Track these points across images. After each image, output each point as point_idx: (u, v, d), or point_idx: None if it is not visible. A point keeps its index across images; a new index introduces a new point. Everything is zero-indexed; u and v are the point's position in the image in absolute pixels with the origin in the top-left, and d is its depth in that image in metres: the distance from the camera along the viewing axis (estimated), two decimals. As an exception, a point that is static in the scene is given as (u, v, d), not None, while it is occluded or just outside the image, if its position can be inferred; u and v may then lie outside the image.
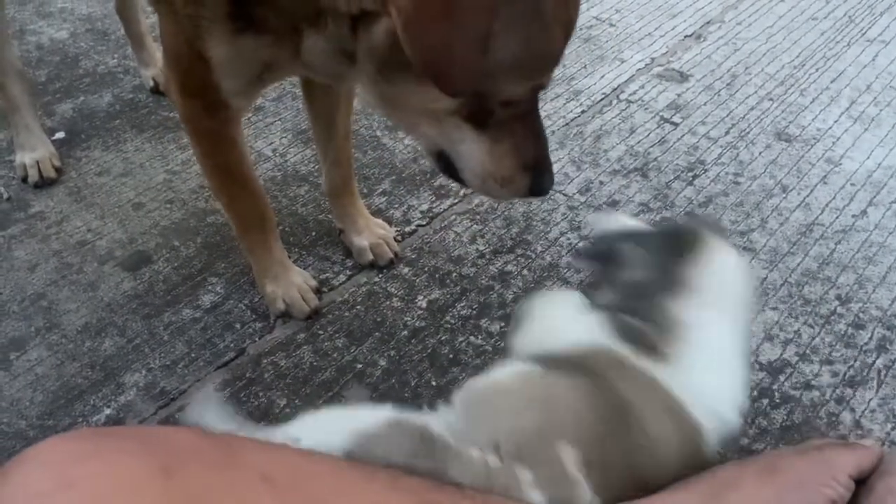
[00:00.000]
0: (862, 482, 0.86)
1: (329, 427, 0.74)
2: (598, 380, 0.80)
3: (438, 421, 0.75)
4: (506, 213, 1.58)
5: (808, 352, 1.28)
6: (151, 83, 1.97)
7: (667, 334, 0.81)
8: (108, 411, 1.22)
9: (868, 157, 1.72)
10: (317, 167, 1.48)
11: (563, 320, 0.94)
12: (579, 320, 0.90)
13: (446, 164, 0.99)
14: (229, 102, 1.10)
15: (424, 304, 1.39)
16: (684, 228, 0.93)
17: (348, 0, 0.84)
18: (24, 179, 1.69)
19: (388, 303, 1.39)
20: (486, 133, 0.92)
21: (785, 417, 1.18)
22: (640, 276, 0.87)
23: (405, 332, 1.33)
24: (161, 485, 0.49)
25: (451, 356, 1.29)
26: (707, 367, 0.82)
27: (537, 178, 0.96)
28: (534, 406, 0.78)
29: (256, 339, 1.34)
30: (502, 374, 0.85)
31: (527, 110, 0.94)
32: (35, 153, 1.70)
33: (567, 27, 0.86)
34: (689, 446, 0.79)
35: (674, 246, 0.87)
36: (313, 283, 1.39)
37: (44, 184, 1.68)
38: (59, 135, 1.84)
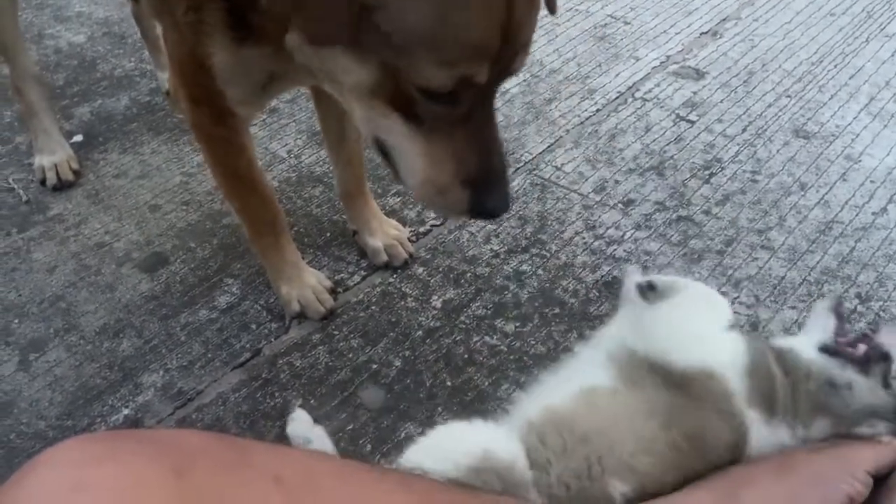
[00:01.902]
0: (881, 480, 0.84)
1: (433, 456, 0.78)
2: (691, 403, 0.82)
3: (520, 452, 0.78)
4: (520, 212, 1.58)
5: (827, 351, 1.26)
6: (168, 86, 1.98)
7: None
8: (126, 411, 1.23)
9: (888, 154, 1.69)
10: (331, 168, 1.49)
11: (703, 331, 0.89)
12: (718, 338, 0.88)
13: (386, 156, 0.92)
14: (235, 110, 1.10)
15: (439, 304, 1.39)
16: None
17: None
18: (43, 182, 1.71)
19: (402, 303, 1.39)
20: (421, 129, 0.84)
21: (804, 418, 1.16)
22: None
23: (420, 333, 1.33)
24: (174, 485, 0.50)
25: (466, 356, 1.28)
26: None
27: (480, 197, 0.86)
28: (589, 439, 0.79)
29: (272, 339, 1.34)
30: (562, 395, 0.85)
31: (471, 114, 0.84)
32: (53, 156, 1.72)
33: (499, 18, 0.77)
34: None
35: None
36: (328, 283, 1.39)
37: (62, 186, 1.70)
38: (77, 138, 1.86)
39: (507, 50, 0.81)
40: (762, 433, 0.84)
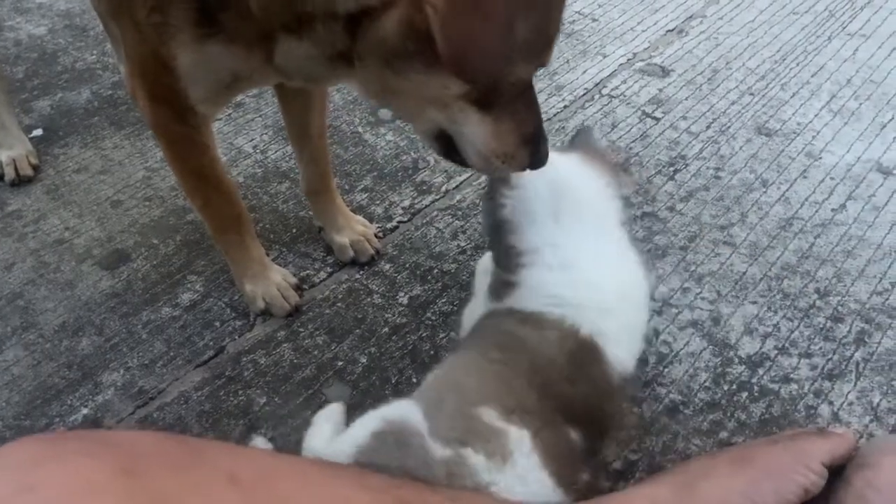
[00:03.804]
0: (837, 472, 0.86)
1: (340, 443, 0.88)
2: (501, 329, 0.96)
3: (415, 411, 0.86)
4: (487, 208, 1.58)
5: (786, 345, 1.28)
6: (130, 80, 1.95)
7: (511, 268, 0.98)
8: (85, 411, 1.21)
9: (848, 151, 1.72)
10: (297, 164, 1.48)
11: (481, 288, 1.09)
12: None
13: (447, 147, 1.00)
14: (198, 109, 1.08)
15: (405, 301, 1.38)
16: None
17: (346, 0, 0.84)
18: (1, 178, 1.67)
19: (368, 300, 1.39)
20: (490, 113, 0.93)
21: (763, 411, 1.18)
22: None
23: (386, 329, 1.33)
24: (122, 486, 0.49)
25: (432, 352, 1.28)
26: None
27: (536, 150, 0.98)
28: (454, 387, 0.91)
29: (236, 337, 1.33)
30: (443, 366, 1.01)
31: (525, 86, 0.96)
32: (11, 151, 1.68)
33: (562, 6, 0.91)
34: (570, 340, 0.91)
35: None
36: (293, 280, 1.38)
37: (20, 182, 1.66)
38: (37, 132, 1.82)
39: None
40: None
